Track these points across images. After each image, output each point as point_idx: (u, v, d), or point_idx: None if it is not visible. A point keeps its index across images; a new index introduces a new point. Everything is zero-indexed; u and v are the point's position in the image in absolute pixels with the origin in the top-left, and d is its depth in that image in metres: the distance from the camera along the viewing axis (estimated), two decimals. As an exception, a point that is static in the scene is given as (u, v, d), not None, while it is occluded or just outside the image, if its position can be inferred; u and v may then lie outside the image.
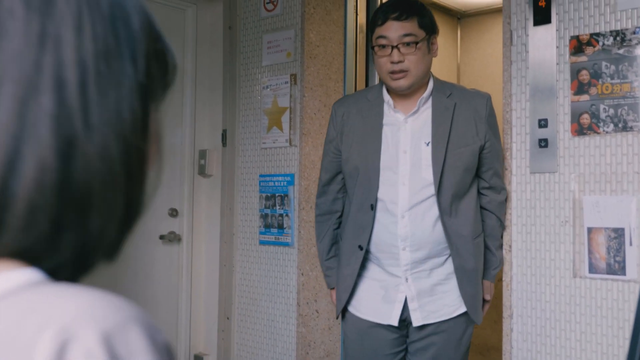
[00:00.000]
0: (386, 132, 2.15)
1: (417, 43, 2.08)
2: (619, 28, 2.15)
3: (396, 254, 2.11)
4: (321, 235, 2.34)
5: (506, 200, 2.29)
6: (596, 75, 2.18)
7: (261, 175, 3.21)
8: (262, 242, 3.18)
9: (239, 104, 3.32)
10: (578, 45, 2.22)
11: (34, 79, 0.47)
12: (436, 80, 2.19)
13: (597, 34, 2.19)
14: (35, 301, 0.45)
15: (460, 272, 2.11)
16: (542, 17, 2.31)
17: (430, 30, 2.14)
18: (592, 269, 2.15)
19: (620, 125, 2.13)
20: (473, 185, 2.17)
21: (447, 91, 2.16)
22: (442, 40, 4.51)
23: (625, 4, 2.14)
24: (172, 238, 3.31)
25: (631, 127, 2.11)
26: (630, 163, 2.11)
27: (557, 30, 2.28)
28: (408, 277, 2.12)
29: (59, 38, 0.48)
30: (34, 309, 0.44)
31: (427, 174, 2.08)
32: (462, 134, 2.10)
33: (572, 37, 2.25)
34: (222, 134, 3.33)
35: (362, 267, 2.19)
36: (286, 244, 3.07)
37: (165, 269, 3.32)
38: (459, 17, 4.65)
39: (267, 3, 3.22)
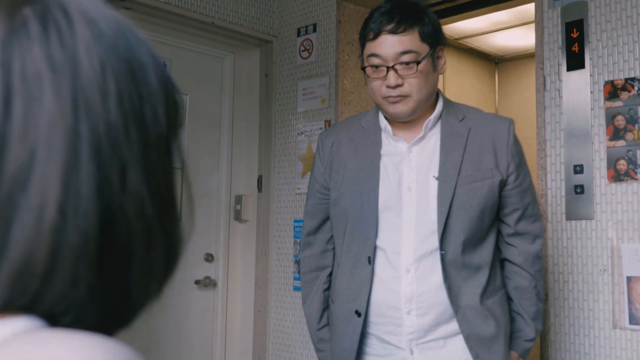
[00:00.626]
0: (386, 164, 1.71)
1: (418, 62, 1.61)
2: (654, 72, 2.12)
3: (399, 319, 1.65)
4: (309, 297, 1.88)
5: (541, 251, 1.79)
6: (632, 120, 2.14)
7: (295, 221, 3.21)
8: (296, 288, 3.17)
9: (274, 149, 3.36)
10: (613, 90, 2.19)
11: (74, 147, 0.46)
12: (446, 101, 1.77)
13: (632, 79, 2.16)
14: (27, 348, 0.45)
15: (473, 342, 1.64)
16: (575, 62, 2.29)
17: (435, 41, 1.66)
18: (633, 319, 2.07)
19: (658, 171, 2.08)
20: (492, 231, 1.72)
21: (459, 114, 1.73)
22: (480, 84, 4.51)
23: (661, 48, 2.11)
24: (207, 283, 3.33)
25: (669, 173, 2.05)
26: (670, 210, 2.05)
27: (591, 75, 2.26)
28: (414, 349, 1.66)
29: (88, 102, 0.47)
30: (25, 356, 0.45)
31: (436, 216, 1.65)
32: (477, 165, 1.66)
33: (606, 82, 2.22)
34: (258, 180, 3.37)
35: (360, 338, 1.73)
36: (320, 290, 3.06)
37: (200, 314, 3.33)
38: (496, 61, 4.65)
39: (303, 51, 3.28)
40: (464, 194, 1.64)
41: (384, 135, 1.73)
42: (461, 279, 1.63)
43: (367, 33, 1.66)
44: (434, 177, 1.66)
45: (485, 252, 1.68)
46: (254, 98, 3.44)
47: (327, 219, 1.84)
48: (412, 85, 1.61)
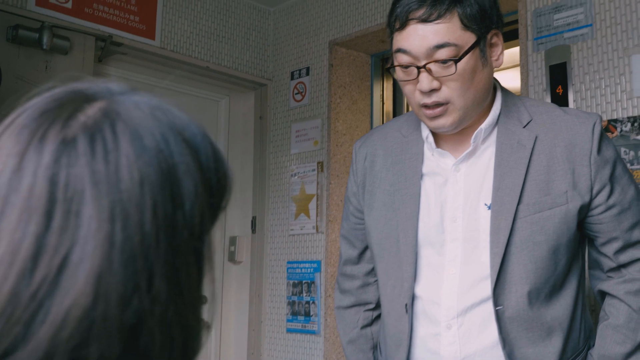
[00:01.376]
0: (427, 186, 1.34)
1: (458, 60, 1.20)
2: (636, 114, 2.15)
3: None
4: (347, 332, 1.52)
5: None
6: (615, 160, 2.16)
7: (289, 262, 3.22)
8: (289, 330, 3.16)
9: (268, 191, 3.39)
10: (596, 131, 2.22)
11: (108, 256, 0.48)
12: (507, 98, 1.35)
13: (615, 120, 2.19)
14: None
15: None
16: (559, 103, 2.32)
17: (484, 26, 1.24)
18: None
19: (642, 211, 2.08)
20: (572, 275, 1.30)
21: (524, 115, 1.31)
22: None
23: (642, 90, 2.14)
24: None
25: (653, 213, 2.06)
26: (655, 250, 2.04)
27: (574, 116, 2.29)
28: None
29: (126, 215, 0.50)
30: None
31: (487, 257, 1.28)
32: (545, 189, 1.25)
33: (590, 124, 2.24)
34: (252, 221, 3.38)
35: None
36: (312, 332, 3.04)
37: (193, 356, 3.31)
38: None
39: (296, 94, 3.33)
40: (527, 229, 1.24)
41: (426, 147, 1.36)
42: (527, 342, 1.23)
43: (393, 21, 1.26)
44: (485, 205, 1.27)
45: (562, 305, 1.27)
46: (248, 140, 3.48)
47: (366, 249, 1.50)
48: (453, 89, 1.22)
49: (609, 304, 1.30)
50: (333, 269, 3.02)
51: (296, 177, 3.25)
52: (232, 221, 3.47)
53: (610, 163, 1.28)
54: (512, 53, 3.34)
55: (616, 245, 1.27)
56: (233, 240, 3.42)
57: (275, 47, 3.50)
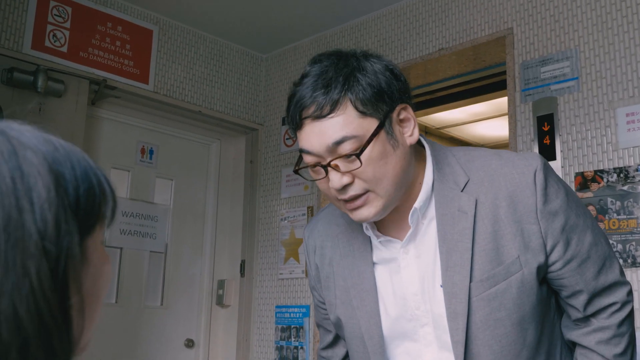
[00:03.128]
0: (382, 275, 1.25)
1: (359, 153, 1.09)
2: (622, 165, 2.20)
3: None
4: None
5: (624, 326, 1.22)
6: (602, 211, 2.20)
7: (277, 307, 3.21)
8: (276, 376, 3.12)
9: (257, 235, 3.39)
10: (583, 182, 2.27)
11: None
12: (437, 159, 1.23)
13: (602, 171, 2.24)
14: None
15: None
16: (547, 154, 2.38)
17: (386, 104, 1.13)
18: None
19: (629, 261, 2.12)
20: (544, 336, 1.23)
21: (459, 177, 1.20)
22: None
23: (627, 142, 2.20)
24: (186, 370, 3.27)
25: (640, 263, 2.09)
26: (642, 300, 2.07)
27: (562, 166, 2.33)
28: None
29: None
30: None
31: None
32: (496, 258, 1.16)
33: (577, 174, 2.29)
34: (241, 265, 3.38)
35: None
36: (300, 378, 3.01)
37: (179, 403, 3.25)
38: (477, 150, 4.77)
39: (287, 139, 3.37)
40: (484, 308, 1.15)
41: (369, 234, 1.26)
42: None
43: (290, 120, 1.16)
44: (441, 286, 1.18)
45: None
46: (238, 184, 3.50)
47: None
48: (366, 180, 1.12)
49: (581, 354, 1.23)
50: (322, 315, 3.01)
51: (286, 221, 3.26)
52: (221, 264, 3.46)
53: (561, 213, 1.17)
54: (500, 102, 3.41)
55: (582, 298, 1.19)
56: (221, 284, 3.40)
57: (267, 93, 3.55)
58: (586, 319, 1.21)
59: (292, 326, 3.11)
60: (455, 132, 4.43)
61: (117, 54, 2.97)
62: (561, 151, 2.35)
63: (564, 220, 1.16)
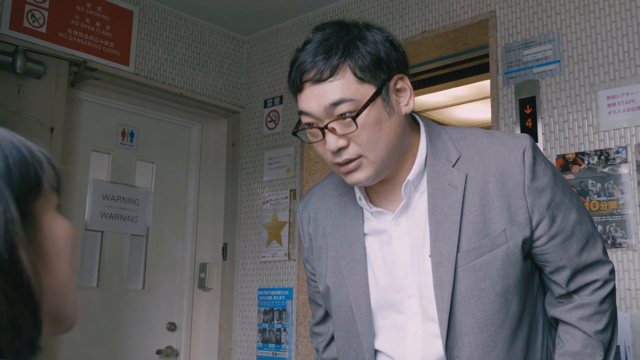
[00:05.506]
0: (372, 245, 1.29)
1: (356, 115, 1.15)
2: (602, 148, 2.23)
3: None
4: None
5: (606, 304, 1.26)
6: (583, 192, 2.23)
7: (260, 289, 3.21)
8: (259, 358, 3.13)
9: (240, 218, 3.39)
10: (564, 164, 2.29)
11: None
12: (430, 135, 1.28)
13: (582, 153, 2.26)
14: None
15: None
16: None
17: (383, 73, 1.19)
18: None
19: (609, 242, 2.15)
20: (526, 310, 1.25)
21: (451, 153, 1.25)
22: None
23: (608, 124, 2.23)
24: (169, 353, 3.27)
25: (620, 244, 2.13)
26: (622, 280, 2.11)
27: (544, 149, 2.36)
28: None
29: None
30: None
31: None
32: (483, 230, 1.20)
33: (558, 156, 2.32)
34: (223, 248, 3.37)
35: None
36: (284, 360, 3.03)
37: (161, 386, 3.25)
38: (457, 133, 4.80)
39: (269, 122, 3.36)
40: (470, 277, 1.19)
41: (362, 205, 1.30)
42: None
43: (291, 84, 1.22)
44: (429, 256, 1.22)
45: (521, 345, 1.23)
46: (220, 167, 3.48)
47: None
48: (361, 144, 1.17)
49: (563, 331, 1.26)
50: (305, 297, 3.02)
51: (268, 204, 3.26)
52: (203, 248, 3.45)
53: (548, 190, 1.21)
54: (482, 85, 3.43)
55: (565, 274, 1.23)
56: (203, 267, 3.39)
57: (248, 75, 3.53)
58: (569, 295, 1.24)
59: (275, 309, 3.12)
60: (437, 115, 4.45)
61: (97, 35, 2.93)
62: (543, 134, 2.38)
63: (550, 197, 1.20)
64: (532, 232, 1.20)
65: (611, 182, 2.18)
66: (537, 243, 1.21)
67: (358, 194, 1.29)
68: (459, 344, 1.18)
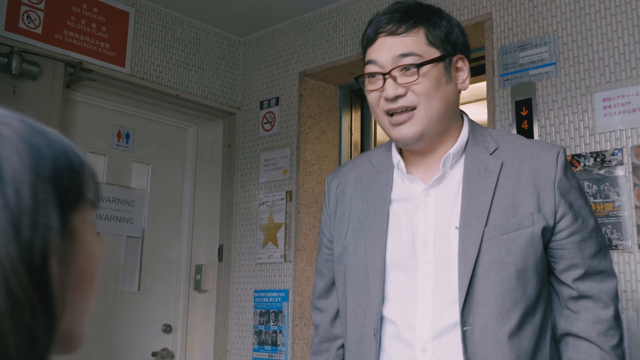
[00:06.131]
0: (397, 211, 1.35)
1: (420, 65, 1.26)
2: (598, 150, 2.23)
3: None
4: None
5: (618, 320, 1.32)
6: (579, 194, 2.24)
7: (256, 291, 3.21)
8: (255, 360, 3.13)
9: (235, 219, 3.38)
10: (560, 166, 2.30)
11: None
12: (474, 127, 1.39)
13: (578, 155, 2.27)
14: None
15: None
16: (525, 137, 2.40)
17: (450, 47, 1.31)
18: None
19: (605, 244, 2.16)
20: (541, 298, 1.31)
21: (490, 144, 1.35)
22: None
23: (604, 127, 2.24)
24: (164, 355, 3.26)
25: (616, 246, 2.13)
26: (618, 281, 2.11)
27: (540, 151, 2.36)
28: None
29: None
30: None
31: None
32: (512, 211, 1.28)
33: (554, 158, 2.32)
34: (219, 249, 3.36)
35: None
36: (280, 362, 3.02)
37: (157, 388, 3.24)
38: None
39: (265, 123, 3.36)
40: (494, 250, 1.25)
41: (396, 174, 1.38)
42: None
43: (364, 38, 1.35)
44: (455, 228, 1.29)
45: (532, 330, 1.27)
46: (216, 168, 3.48)
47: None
48: (418, 95, 1.26)
49: (576, 347, 1.30)
50: (301, 299, 3.02)
51: (264, 206, 3.25)
52: (198, 249, 3.44)
53: (573, 192, 1.31)
54: (479, 87, 3.43)
55: (576, 272, 1.29)
56: (199, 269, 3.39)
57: (244, 77, 3.53)
58: (578, 299, 1.30)
59: (271, 311, 3.11)
60: (432, 117, 4.45)
61: (93, 36, 2.92)
62: (539, 135, 2.38)
63: (574, 199, 1.31)
64: (555, 224, 1.28)
65: (607, 184, 2.19)
66: (558, 237, 1.29)
67: (397, 158, 1.38)
68: (474, 313, 1.23)
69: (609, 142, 2.22)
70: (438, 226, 1.31)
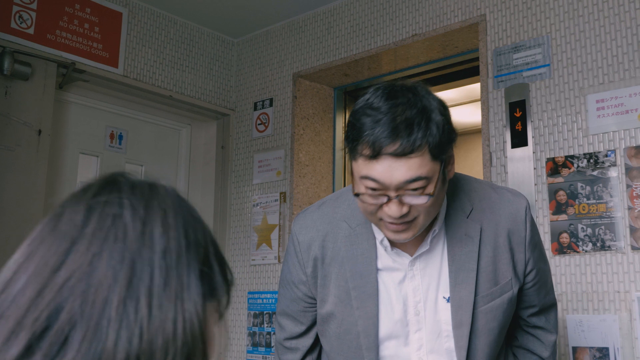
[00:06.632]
0: (385, 281, 1.37)
1: (431, 194, 1.21)
2: (591, 151, 2.24)
3: None
4: None
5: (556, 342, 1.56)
6: (573, 195, 2.24)
7: (250, 292, 3.20)
8: (249, 362, 3.12)
9: (229, 221, 3.37)
10: (554, 167, 2.30)
11: (135, 283, 0.51)
12: (450, 189, 1.39)
13: (572, 157, 2.28)
14: None
15: None
16: (519, 139, 2.41)
17: (447, 152, 1.24)
18: (581, 391, 2.11)
19: (598, 245, 2.16)
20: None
21: (466, 204, 1.38)
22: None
23: (597, 128, 2.24)
24: (158, 357, 3.25)
25: (609, 247, 2.14)
26: (611, 282, 2.12)
27: (533, 152, 2.37)
28: None
29: (153, 239, 0.54)
30: None
31: (452, 345, 1.37)
32: (494, 279, 1.36)
33: (548, 159, 2.33)
34: (212, 251, 3.35)
35: None
36: (273, 364, 3.02)
37: (150, 390, 3.23)
38: (446, 136, 4.80)
39: (259, 124, 3.35)
40: (482, 319, 1.35)
41: (379, 244, 1.37)
42: None
43: (361, 146, 1.19)
44: (444, 298, 1.35)
45: (501, 354, 1.48)
46: (209, 170, 3.47)
47: (314, 324, 1.49)
48: (421, 212, 1.23)
49: (527, 357, 1.51)
50: (295, 300, 3.01)
51: (258, 207, 3.25)
52: (192, 251, 3.42)
53: (538, 245, 1.43)
54: (472, 89, 3.44)
55: (532, 310, 1.46)
56: (192, 271, 3.37)
57: (238, 78, 3.52)
58: (534, 328, 1.50)
59: (265, 312, 3.11)
60: (426, 118, 4.45)
61: (86, 36, 2.91)
62: (533, 137, 2.39)
63: (538, 252, 1.43)
64: (524, 279, 1.41)
65: (600, 185, 2.19)
66: (525, 287, 1.42)
67: (379, 235, 1.35)
68: None
69: (602, 144, 2.23)
70: (427, 296, 1.36)
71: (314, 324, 1.48)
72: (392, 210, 1.21)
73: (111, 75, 2.98)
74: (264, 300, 3.12)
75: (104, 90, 3.07)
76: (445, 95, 3.85)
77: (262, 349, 3.07)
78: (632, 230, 2.11)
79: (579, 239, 2.20)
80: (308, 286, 1.43)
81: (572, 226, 2.23)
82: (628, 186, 2.14)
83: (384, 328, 1.35)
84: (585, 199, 2.22)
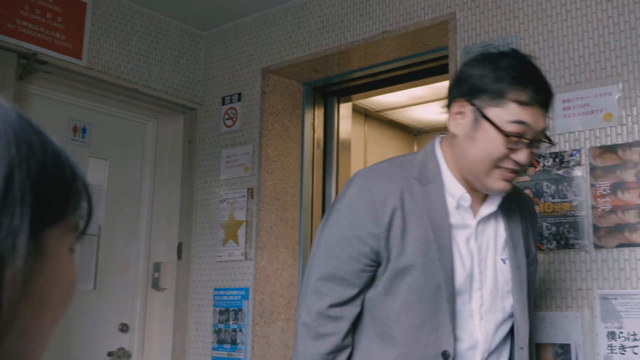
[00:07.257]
0: (457, 238, 1.46)
1: (550, 141, 1.49)
2: (557, 150, 2.26)
3: None
4: None
5: None
6: (538, 194, 2.26)
7: (215, 289, 3.16)
8: (214, 359, 3.09)
9: (195, 216, 3.33)
10: (520, 166, 2.32)
11: None
12: None
13: (538, 155, 2.29)
14: None
15: None
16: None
17: None
18: (544, 388, 2.12)
19: (562, 243, 2.18)
20: None
21: None
22: (400, 154, 4.64)
23: (563, 128, 2.26)
24: (121, 355, 3.19)
25: (572, 245, 2.16)
26: (574, 280, 2.14)
27: (500, 151, 2.38)
28: None
29: None
30: None
31: (508, 304, 1.50)
32: (527, 248, 1.59)
33: (514, 158, 2.34)
34: (178, 247, 3.31)
35: None
36: (239, 361, 2.99)
37: (113, 388, 3.17)
38: (415, 133, 4.82)
39: (227, 119, 3.31)
40: (530, 281, 1.59)
41: (449, 201, 1.46)
42: None
43: (517, 92, 1.37)
44: (502, 259, 1.50)
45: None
46: (176, 164, 3.42)
47: (365, 289, 1.46)
48: (530, 162, 1.45)
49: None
50: (261, 297, 2.98)
51: (225, 203, 3.21)
52: (157, 247, 3.38)
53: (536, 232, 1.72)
54: (442, 86, 3.44)
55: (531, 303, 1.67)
56: (157, 267, 3.33)
57: (206, 72, 3.48)
58: None
59: (231, 309, 3.08)
60: (395, 115, 4.47)
61: (48, 26, 2.83)
62: (500, 136, 2.39)
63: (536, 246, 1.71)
64: (529, 258, 1.59)
65: (565, 184, 2.21)
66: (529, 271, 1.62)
67: (460, 191, 1.47)
68: (518, 329, 1.50)
69: (567, 143, 2.25)
70: (488, 255, 1.50)
71: (364, 288, 1.44)
72: (522, 156, 1.39)
73: (74, 67, 2.91)
74: (230, 297, 3.09)
75: (67, 82, 3.00)
76: (414, 92, 3.85)
77: (228, 346, 3.04)
78: (596, 229, 2.13)
79: (543, 237, 2.22)
80: (378, 240, 1.41)
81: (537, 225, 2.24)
82: (592, 185, 2.16)
83: (457, 281, 1.43)
84: (550, 198, 2.23)
